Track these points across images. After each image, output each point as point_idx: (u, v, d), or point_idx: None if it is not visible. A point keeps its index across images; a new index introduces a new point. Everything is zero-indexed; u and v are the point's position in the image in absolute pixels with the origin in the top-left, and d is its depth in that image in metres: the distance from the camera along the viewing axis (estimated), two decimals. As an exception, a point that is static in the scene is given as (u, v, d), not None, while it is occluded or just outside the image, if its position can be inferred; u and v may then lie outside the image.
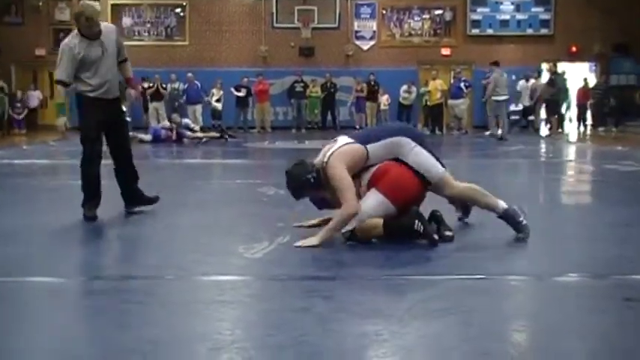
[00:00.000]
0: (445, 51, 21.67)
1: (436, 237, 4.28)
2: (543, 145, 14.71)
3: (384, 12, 21.73)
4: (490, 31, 21.59)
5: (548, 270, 3.81)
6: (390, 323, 2.83)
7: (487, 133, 18.16)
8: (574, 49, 21.29)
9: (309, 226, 4.75)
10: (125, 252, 4.55)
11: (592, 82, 21.02)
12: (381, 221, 4.28)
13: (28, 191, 7.46)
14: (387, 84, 20.39)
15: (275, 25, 21.41)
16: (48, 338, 2.76)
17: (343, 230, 4.34)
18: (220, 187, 8.42)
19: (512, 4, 21.60)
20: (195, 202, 6.49)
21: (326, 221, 4.66)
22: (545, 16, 21.60)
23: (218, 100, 19.65)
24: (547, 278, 3.66)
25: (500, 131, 15.99)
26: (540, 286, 3.58)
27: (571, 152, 13.84)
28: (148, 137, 15.38)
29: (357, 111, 20.64)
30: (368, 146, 4.50)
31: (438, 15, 21.80)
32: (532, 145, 14.41)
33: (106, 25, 5.63)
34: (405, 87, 20.20)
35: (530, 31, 21.62)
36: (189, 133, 15.48)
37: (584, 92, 20.62)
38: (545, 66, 20.03)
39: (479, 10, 21.57)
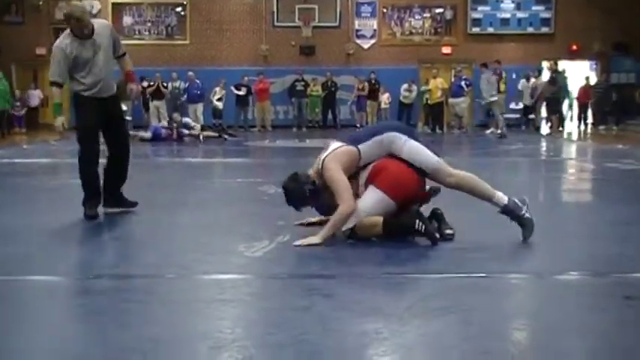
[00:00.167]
0: (446, 49, 21.66)
1: (437, 235, 4.28)
2: (544, 144, 14.71)
3: (385, 10, 21.71)
4: (491, 30, 21.58)
5: (548, 268, 3.81)
6: (390, 322, 2.83)
7: (487, 131, 18.18)
8: (574, 47, 21.28)
9: (310, 225, 4.76)
10: (125, 251, 4.55)
11: (592, 80, 21.02)
12: (381, 219, 4.28)
13: (28, 190, 7.46)
14: (387, 83, 20.40)
15: (276, 23, 21.40)
16: (48, 337, 2.77)
17: (343, 228, 4.35)
18: (221, 185, 8.42)
19: (513, 2, 21.59)
20: (196, 200, 6.49)
21: (326, 220, 4.68)
22: (546, 15, 21.59)
23: (220, 99, 19.65)
24: (547, 276, 3.66)
25: (500, 130, 16.05)
26: (541, 285, 3.58)
27: (571, 151, 13.84)
28: (147, 135, 15.38)
29: (358, 110, 20.63)
30: (359, 146, 4.53)
31: (438, 13, 21.78)
32: (532, 144, 14.41)
33: (100, 22, 5.63)
34: (405, 86, 20.19)
35: (530, 30, 21.61)
36: (186, 131, 15.49)
37: (586, 90, 20.61)
38: (545, 64, 20.04)
39: (479, 8, 21.56)
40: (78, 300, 3.25)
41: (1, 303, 3.24)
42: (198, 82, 19.00)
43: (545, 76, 19.21)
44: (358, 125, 19.40)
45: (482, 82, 16.68)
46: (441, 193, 4.65)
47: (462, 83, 18.59)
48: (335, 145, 4.62)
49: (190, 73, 19.10)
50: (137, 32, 21.59)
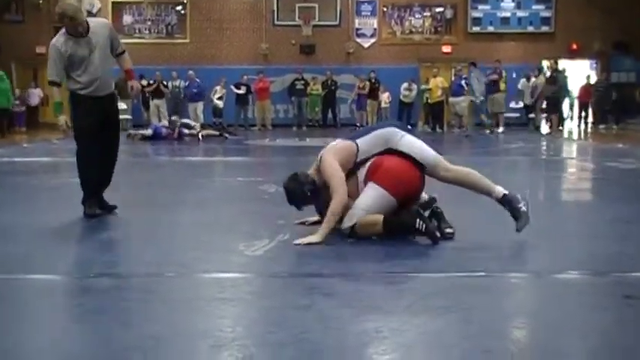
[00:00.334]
0: (446, 48, 21.67)
1: (437, 234, 4.28)
2: (544, 143, 14.72)
3: (385, 9, 21.71)
4: (491, 29, 21.59)
5: (548, 267, 3.81)
6: (390, 320, 2.83)
7: (487, 130, 18.19)
8: (574, 46, 21.28)
9: (311, 224, 4.76)
10: (125, 250, 4.55)
11: (593, 79, 21.02)
12: (381, 218, 4.29)
13: (28, 189, 7.46)
14: (387, 82, 20.39)
15: (276, 22, 21.41)
16: (48, 336, 2.77)
17: (344, 227, 4.35)
18: (221, 184, 8.42)
19: (513, 1, 21.60)
20: (196, 199, 6.50)
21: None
22: (546, 14, 21.59)
23: (220, 98, 19.65)
24: (547, 276, 3.66)
25: (500, 129, 16.09)
26: (540, 284, 3.58)
27: (571, 150, 13.84)
28: (148, 132, 15.39)
29: (358, 108, 20.62)
30: (357, 140, 4.58)
31: (438, 12, 21.79)
32: (532, 143, 14.41)
33: (97, 21, 5.63)
34: (405, 85, 20.18)
35: (530, 29, 21.62)
36: (187, 131, 15.49)
37: (587, 90, 20.62)
38: (545, 63, 20.04)
39: (480, 7, 21.57)
40: (78, 299, 3.25)
41: (0, 302, 3.24)
42: (198, 80, 19.00)
43: (546, 75, 19.20)
44: (358, 124, 19.40)
45: (473, 80, 16.78)
46: (440, 192, 4.66)
47: (462, 82, 18.57)
48: (334, 142, 4.70)
49: (190, 72, 19.10)
50: (137, 31, 21.60)
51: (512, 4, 21.58)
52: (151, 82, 19.19)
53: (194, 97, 18.91)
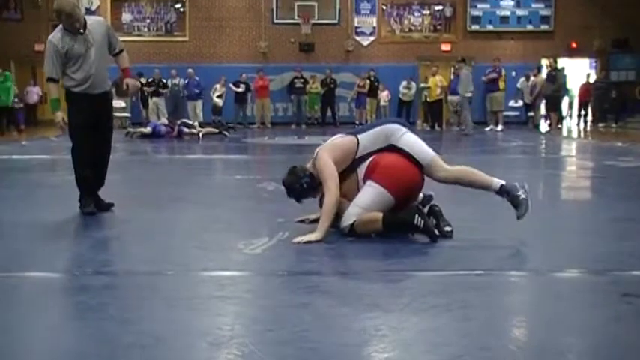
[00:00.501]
0: (445, 47, 21.67)
1: (436, 232, 4.28)
2: (543, 141, 14.72)
3: (384, 8, 21.71)
4: (490, 27, 21.60)
5: (546, 265, 3.81)
6: (389, 318, 2.84)
7: (487, 129, 18.20)
8: (574, 45, 21.28)
9: (311, 222, 4.76)
10: (124, 247, 4.55)
11: (592, 78, 21.03)
12: (380, 215, 4.29)
13: (27, 187, 7.46)
14: (386, 80, 20.41)
15: (275, 20, 21.40)
16: (47, 334, 2.77)
17: (343, 225, 4.35)
18: (220, 182, 8.42)
19: (513, 0, 21.59)
20: (195, 197, 6.49)
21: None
22: (546, 13, 21.60)
23: (220, 96, 19.65)
24: (546, 273, 3.67)
25: (499, 127, 16.10)
26: (539, 282, 3.59)
27: (570, 148, 13.84)
28: (147, 130, 15.39)
29: (358, 106, 20.63)
30: (359, 136, 4.60)
31: (438, 11, 21.79)
32: (531, 142, 14.42)
33: (95, 19, 5.62)
34: (404, 83, 20.21)
35: (530, 27, 21.63)
36: (186, 129, 15.49)
37: (587, 88, 20.62)
38: (545, 62, 20.04)
39: (479, 6, 21.57)
40: (76, 296, 3.25)
41: (0, 299, 3.24)
42: (197, 79, 19.00)
43: (545, 73, 19.20)
44: (357, 122, 19.40)
45: (465, 77, 16.79)
46: (438, 190, 4.66)
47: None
48: (336, 136, 4.72)
49: (190, 69, 19.10)
50: (136, 29, 21.60)
51: (512, 3, 21.59)
52: (150, 79, 19.17)
53: (193, 95, 18.90)
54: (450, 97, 18.89)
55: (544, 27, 21.61)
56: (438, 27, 21.85)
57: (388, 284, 3.46)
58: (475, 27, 21.64)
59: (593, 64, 21.91)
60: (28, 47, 20.66)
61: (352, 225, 4.32)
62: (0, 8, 21.24)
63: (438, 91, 19.02)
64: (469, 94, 16.72)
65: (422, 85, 19.96)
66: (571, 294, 3.32)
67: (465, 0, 21.55)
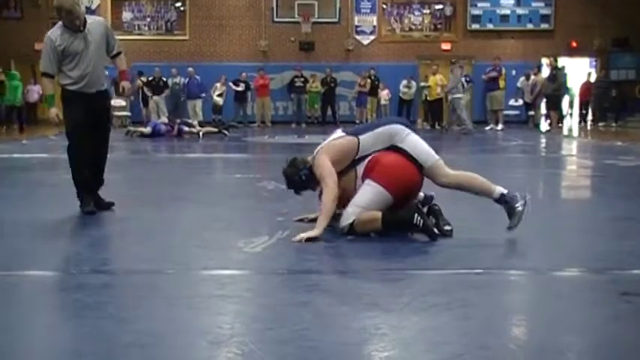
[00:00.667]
0: (445, 46, 21.66)
1: (436, 231, 4.29)
2: (543, 140, 14.72)
3: (385, 7, 21.70)
4: (490, 26, 21.58)
5: (546, 264, 3.81)
6: (389, 317, 2.84)
7: (487, 128, 18.20)
8: (574, 44, 21.27)
9: (310, 221, 4.76)
10: (124, 246, 4.55)
11: (593, 77, 21.02)
12: (379, 214, 4.29)
13: (27, 185, 7.46)
14: (387, 79, 20.41)
15: (275, 19, 21.39)
16: (46, 333, 2.77)
17: (342, 224, 4.36)
18: (220, 181, 8.42)
19: (513, -1, 21.62)
20: (195, 196, 6.49)
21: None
22: (546, 11, 21.58)
23: (220, 95, 19.64)
24: (545, 272, 3.67)
25: (499, 126, 16.11)
26: (539, 281, 3.59)
27: (571, 147, 13.84)
28: (147, 130, 15.38)
29: (358, 105, 20.63)
30: (360, 136, 4.56)
31: (438, 10, 21.77)
32: (532, 140, 14.42)
33: (95, 18, 5.61)
34: (404, 82, 20.21)
35: (530, 26, 21.61)
36: (186, 128, 15.49)
37: (588, 87, 20.61)
38: (545, 61, 20.03)
39: (479, 4, 21.56)
40: (76, 295, 3.25)
41: (0, 298, 3.24)
42: (197, 77, 18.99)
43: (545, 72, 19.20)
44: (358, 121, 19.39)
45: (453, 78, 17.05)
46: (438, 189, 4.65)
47: (462, 79, 18.59)
48: (336, 134, 4.68)
49: (190, 68, 19.09)
50: (136, 27, 21.59)
51: (512, 2, 21.58)
52: (150, 78, 19.17)
53: (193, 94, 18.89)
54: (450, 96, 18.88)
55: (544, 26, 21.60)
56: (439, 26, 21.84)
57: (388, 283, 3.46)
58: (475, 26, 21.62)
59: (594, 63, 21.89)
60: (28, 46, 20.62)
61: (351, 224, 4.33)
62: (0, 7, 21.22)
63: (438, 90, 19.01)
64: (457, 96, 16.79)
65: (422, 84, 19.95)
66: (571, 293, 3.32)
67: (465, -1, 21.57)
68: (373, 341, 2.60)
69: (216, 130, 15.98)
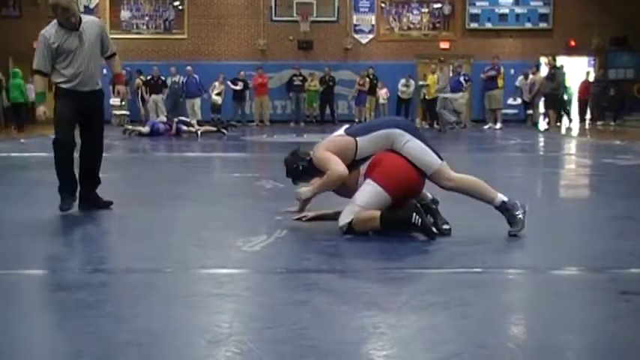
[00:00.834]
0: (444, 45, 21.66)
1: (434, 230, 4.28)
2: (541, 139, 14.72)
3: (383, 5, 21.71)
4: (489, 25, 21.59)
5: (545, 263, 3.82)
6: (387, 316, 2.83)
7: (486, 127, 18.21)
8: (572, 43, 21.28)
9: (308, 220, 4.77)
10: (122, 245, 4.55)
11: (592, 76, 21.03)
12: (378, 213, 4.29)
13: (26, 184, 7.46)
14: (385, 78, 20.42)
15: (274, 18, 21.39)
16: (45, 332, 2.77)
17: (341, 223, 4.36)
18: (218, 180, 8.42)
19: (511, -2, 21.63)
20: (194, 195, 6.49)
21: (322, 216, 4.76)
22: (544, 10, 21.59)
23: (219, 94, 19.63)
24: (544, 271, 3.67)
25: (498, 125, 16.12)
26: (537, 279, 3.59)
27: (569, 146, 13.84)
28: (146, 129, 15.36)
29: (357, 104, 20.63)
30: (358, 138, 4.54)
31: (436, 9, 21.77)
32: (530, 139, 14.42)
33: (90, 18, 5.58)
34: (403, 81, 20.22)
35: (528, 25, 21.62)
36: (185, 127, 15.47)
37: (587, 86, 20.62)
38: (543, 60, 20.04)
39: (478, 3, 21.57)
40: (74, 294, 3.24)
41: (-2, 297, 3.24)
42: (196, 76, 18.98)
43: (544, 71, 19.21)
44: (357, 120, 19.39)
45: (441, 77, 17.22)
46: (437, 188, 4.65)
47: (461, 79, 18.60)
48: (337, 132, 4.70)
49: (189, 67, 19.08)
50: (135, 26, 21.58)
51: (511, 1, 21.59)
52: (149, 77, 19.16)
53: (192, 93, 18.88)
54: (449, 95, 18.87)
55: (543, 25, 21.61)
56: (437, 25, 21.84)
57: (386, 282, 3.46)
58: (474, 25, 21.63)
59: (592, 62, 21.89)
60: (26, 45, 20.54)
61: (350, 223, 4.33)
62: (-2, 6, 21.23)
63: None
64: (444, 95, 16.89)
65: (420, 83, 19.95)
66: (570, 292, 3.32)
67: (464, -3, 21.58)
68: (372, 340, 2.60)
69: (214, 129, 15.97)
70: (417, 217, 4.20)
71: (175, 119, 15.85)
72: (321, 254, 3.99)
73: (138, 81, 19.29)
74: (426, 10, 21.78)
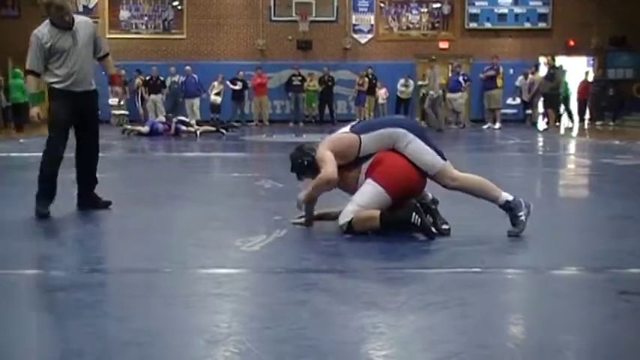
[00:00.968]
0: (443, 44, 21.65)
1: (433, 230, 4.28)
2: (540, 139, 14.73)
3: (382, 5, 21.69)
4: (488, 25, 21.58)
5: (544, 263, 3.82)
6: (386, 316, 2.83)
7: (485, 126, 18.21)
8: (572, 42, 21.28)
9: (307, 222, 4.76)
10: (122, 245, 4.54)
11: (591, 76, 21.03)
12: (377, 213, 4.29)
13: (25, 184, 7.43)
14: (384, 78, 20.41)
15: (273, 18, 21.38)
16: (44, 332, 2.77)
17: (341, 222, 4.36)
18: (217, 180, 8.42)
19: (511, -3, 21.62)
20: (193, 195, 6.49)
21: (322, 216, 4.76)
22: (543, 10, 21.58)
23: (218, 94, 19.62)
24: (543, 271, 3.67)
25: (497, 125, 16.11)
26: (537, 279, 3.59)
27: (568, 146, 13.85)
28: (145, 129, 15.35)
29: (357, 104, 20.62)
30: (362, 136, 4.54)
31: (435, 8, 21.76)
32: (529, 139, 14.42)
33: (83, 18, 5.55)
34: (402, 81, 20.22)
35: (527, 25, 21.61)
36: (184, 127, 15.46)
37: (586, 86, 20.62)
38: (542, 60, 20.04)
39: (477, 3, 21.56)
40: (72, 294, 3.24)
41: (-3, 297, 3.24)
42: (195, 76, 18.96)
43: (543, 71, 19.21)
44: (358, 120, 19.38)
45: (436, 76, 17.36)
46: (436, 188, 4.65)
47: (460, 78, 18.61)
48: (343, 129, 4.72)
49: (188, 67, 19.06)
50: (134, 26, 21.56)
51: (510, 1, 21.57)
52: (148, 77, 19.15)
53: (191, 93, 18.87)
54: (448, 95, 18.89)
55: (542, 25, 21.60)
56: (436, 25, 21.82)
57: (386, 282, 3.46)
58: (473, 25, 21.62)
59: (591, 61, 21.89)
60: (25, 44, 20.19)
61: (350, 222, 4.33)
62: (-3, 5, 21.21)
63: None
64: (434, 93, 16.98)
65: (420, 82, 19.94)
66: (569, 292, 3.32)
67: (463, -3, 21.58)
68: (371, 340, 2.60)
69: (213, 129, 15.96)
70: (417, 217, 4.20)
71: (174, 119, 15.84)
72: (320, 254, 3.99)
73: (138, 81, 19.27)
74: (425, 10, 21.76)
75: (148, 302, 3.08)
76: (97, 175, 5.52)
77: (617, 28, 20.93)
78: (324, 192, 4.55)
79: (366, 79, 20.27)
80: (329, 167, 4.43)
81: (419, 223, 4.20)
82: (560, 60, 19.34)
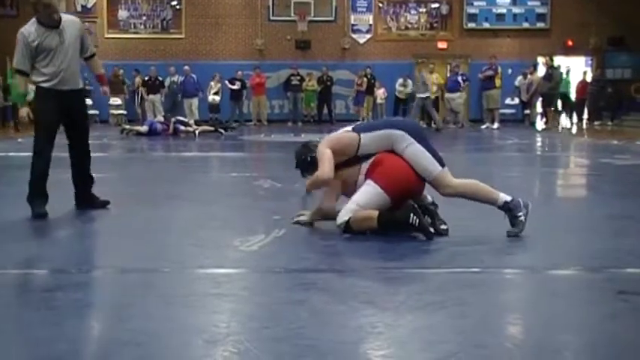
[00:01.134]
0: (441, 44, 21.64)
1: (431, 230, 4.28)
2: (539, 139, 14.73)
3: (381, 5, 21.68)
4: (486, 25, 21.58)
5: (542, 263, 3.82)
6: (385, 315, 2.84)
7: (483, 126, 18.21)
8: (570, 42, 21.29)
9: (306, 222, 4.76)
10: (120, 245, 4.53)
11: (589, 76, 21.03)
12: (375, 213, 4.29)
13: (24, 184, 7.42)
14: (383, 77, 20.40)
15: (271, 18, 21.36)
16: (43, 332, 2.76)
17: (339, 222, 4.36)
18: (216, 180, 8.41)
19: (509, -3, 21.62)
20: (191, 195, 6.48)
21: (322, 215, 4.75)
22: (542, 10, 21.58)
23: (216, 93, 19.61)
24: (542, 271, 3.67)
25: (495, 125, 16.11)
26: (535, 279, 3.59)
27: (567, 146, 13.85)
28: (144, 128, 15.34)
29: (355, 104, 20.61)
30: (362, 135, 4.56)
31: (434, 8, 21.75)
32: (527, 139, 14.43)
33: (69, 17, 5.52)
34: (400, 81, 20.21)
35: (526, 25, 21.61)
36: (182, 127, 15.45)
37: (584, 86, 20.63)
38: (541, 60, 20.05)
39: (475, 3, 21.55)
40: (71, 293, 3.24)
41: (-5, 296, 3.23)
42: (193, 76, 18.95)
43: (541, 71, 19.22)
44: (360, 119, 19.38)
45: (427, 78, 17.67)
46: (437, 192, 4.65)
47: (459, 78, 18.61)
48: (345, 128, 4.75)
49: (186, 67, 19.05)
50: (132, 26, 21.53)
51: (508, 1, 21.56)
52: (146, 77, 19.14)
53: (190, 92, 18.86)
54: (446, 95, 18.91)
55: (540, 25, 21.60)
56: (435, 24, 21.82)
57: (384, 282, 3.46)
58: (471, 25, 21.61)
59: (589, 61, 21.90)
60: (23, 44, 20.57)
61: (348, 222, 4.33)
62: (-4, 5, 21.18)
63: (435, 88, 19.01)
64: (423, 95, 17.17)
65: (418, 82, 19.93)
66: (567, 291, 3.32)
67: (462, -3, 21.58)
68: (369, 339, 2.60)
69: (212, 128, 15.95)
70: (415, 217, 4.20)
71: (173, 119, 15.83)
72: (319, 253, 3.99)
73: (138, 80, 19.26)
74: (424, 9, 21.76)
75: (146, 302, 3.08)
76: (95, 175, 5.51)
77: (616, 28, 20.94)
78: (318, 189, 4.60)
79: (365, 79, 20.26)
80: (325, 167, 4.44)
81: (417, 224, 4.20)
82: (559, 60, 19.36)
